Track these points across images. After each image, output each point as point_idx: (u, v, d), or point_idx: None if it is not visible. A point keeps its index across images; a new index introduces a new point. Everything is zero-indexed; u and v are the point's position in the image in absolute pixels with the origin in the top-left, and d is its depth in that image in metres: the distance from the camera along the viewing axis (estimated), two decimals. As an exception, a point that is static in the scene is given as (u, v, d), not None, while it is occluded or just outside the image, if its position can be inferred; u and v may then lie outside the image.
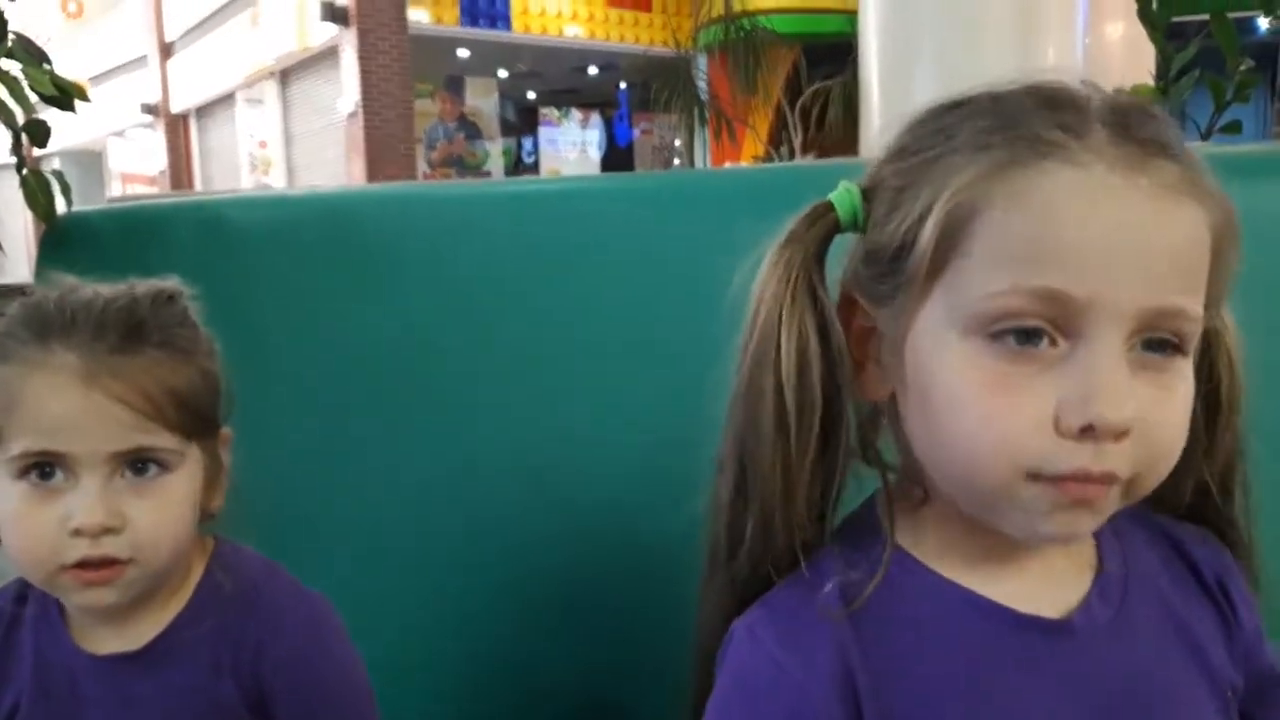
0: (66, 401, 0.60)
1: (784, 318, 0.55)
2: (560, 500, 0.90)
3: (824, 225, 0.56)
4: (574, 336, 0.93)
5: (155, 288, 0.66)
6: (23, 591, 0.69)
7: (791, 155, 6.90)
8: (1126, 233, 0.48)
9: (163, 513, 0.63)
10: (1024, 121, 0.49)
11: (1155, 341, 0.49)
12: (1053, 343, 0.48)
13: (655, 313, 0.92)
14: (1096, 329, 0.48)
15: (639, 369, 0.91)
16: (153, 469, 0.63)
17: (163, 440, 0.63)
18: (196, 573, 0.69)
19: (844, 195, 0.56)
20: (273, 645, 0.67)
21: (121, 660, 0.66)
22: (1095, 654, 0.54)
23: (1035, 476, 0.48)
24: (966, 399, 0.49)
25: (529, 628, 0.92)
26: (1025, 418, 0.48)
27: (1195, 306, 0.49)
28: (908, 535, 0.56)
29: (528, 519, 0.91)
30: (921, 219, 0.50)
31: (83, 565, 0.61)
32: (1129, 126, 0.49)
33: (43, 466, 0.61)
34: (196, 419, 0.65)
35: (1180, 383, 0.50)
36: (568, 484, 0.91)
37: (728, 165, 7.38)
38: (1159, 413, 0.49)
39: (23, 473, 0.61)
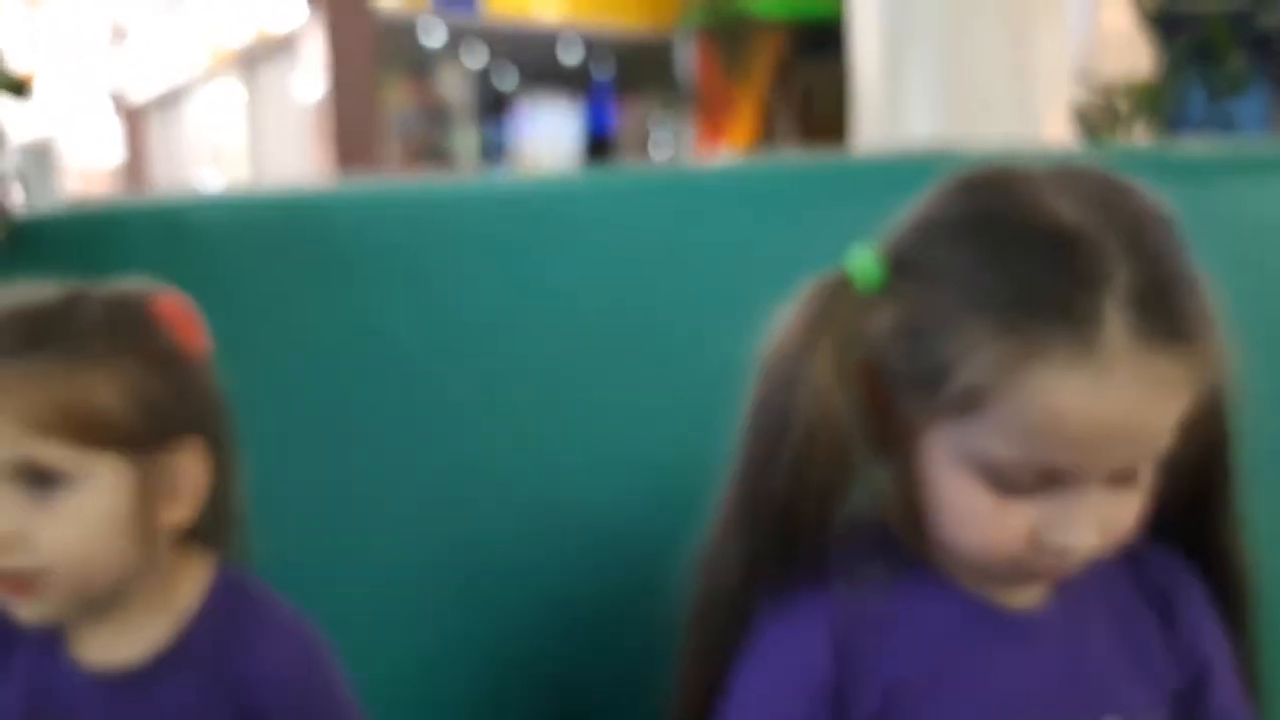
0: None
1: (807, 386, 0.58)
2: (541, 506, 0.90)
3: (846, 305, 0.58)
4: (556, 340, 0.92)
5: (108, 292, 0.67)
6: None
7: (778, 144, 6.75)
8: (1125, 424, 0.54)
9: (70, 527, 0.63)
10: (1045, 303, 0.53)
11: (1125, 471, 0.57)
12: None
13: (641, 315, 0.92)
14: (1078, 482, 0.56)
15: (623, 373, 0.91)
16: (54, 482, 0.63)
17: (56, 453, 0.62)
18: (191, 590, 0.70)
19: (865, 269, 0.59)
20: (267, 672, 0.67)
21: (116, 681, 0.67)
22: (1050, 648, 0.62)
23: (1015, 563, 0.58)
24: (967, 516, 0.57)
25: (517, 641, 0.90)
26: (1011, 534, 0.57)
27: (1163, 444, 0.56)
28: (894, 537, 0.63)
29: (508, 526, 0.91)
30: (941, 376, 0.55)
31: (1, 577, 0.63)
32: (1147, 309, 0.53)
33: None
34: (110, 431, 0.64)
35: (1143, 482, 0.58)
36: (550, 491, 0.91)
37: (715, 154, 7.23)
38: (1120, 511, 0.58)
39: None
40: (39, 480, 0.62)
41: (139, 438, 0.66)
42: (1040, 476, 0.55)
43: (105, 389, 0.64)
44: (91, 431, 0.63)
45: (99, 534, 0.64)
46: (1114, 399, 0.52)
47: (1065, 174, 0.58)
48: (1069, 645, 0.62)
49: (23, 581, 0.63)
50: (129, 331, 0.66)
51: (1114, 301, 0.52)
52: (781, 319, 0.60)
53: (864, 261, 0.59)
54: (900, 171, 0.95)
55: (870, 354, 0.59)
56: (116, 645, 0.67)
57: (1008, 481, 0.55)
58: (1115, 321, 0.52)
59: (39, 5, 11.89)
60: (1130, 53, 3.63)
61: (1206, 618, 0.66)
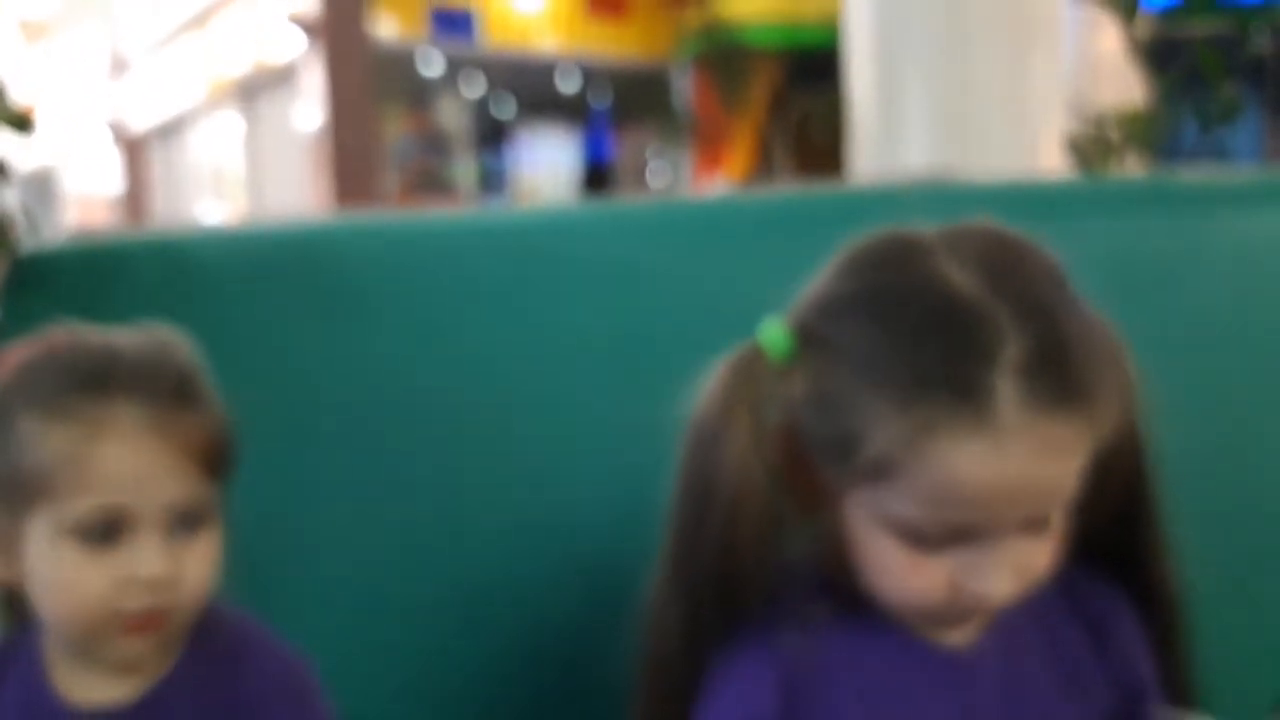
0: (138, 457, 0.62)
1: (728, 454, 0.61)
2: (544, 539, 0.90)
3: (759, 378, 0.61)
4: (554, 370, 0.92)
5: (167, 336, 0.67)
6: (8, 644, 0.70)
7: (774, 173, 6.78)
8: (1025, 486, 0.57)
9: (205, 563, 0.65)
10: (938, 380, 0.55)
11: (1036, 519, 0.59)
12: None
13: (639, 346, 0.92)
14: (984, 534, 0.58)
15: (621, 403, 0.91)
16: (200, 521, 0.65)
17: (209, 491, 0.65)
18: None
19: (775, 341, 0.62)
20: (259, 711, 0.67)
21: (107, 716, 0.66)
22: (985, 685, 0.64)
23: (938, 610, 0.61)
24: (888, 570, 0.60)
25: (512, 672, 0.90)
26: (930, 585, 0.59)
27: (1069, 495, 0.58)
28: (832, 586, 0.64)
29: (506, 555, 0.90)
30: (850, 446, 0.57)
31: (136, 617, 0.63)
32: (1038, 376, 0.55)
33: (106, 522, 0.62)
34: (229, 468, 0.67)
35: (1056, 525, 0.60)
36: (547, 519, 0.90)
37: (709, 183, 7.25)
38: (1035, 556, 0.60)
39: (82, 530, 0.62)
40: (192, 520, 0.64)
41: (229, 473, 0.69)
42: (952, 532, 0.57)
43: (228, 428, 0.67)
44: (223, 468, 0.67)
45: (214, 568, 0.66)
46: (1011, 465, 0.55)
47: (958, 237, 0.59)
48: (1004, 680, 0.64)
49: (157, 619, 0.64)
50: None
51: (1005, 373, 0.54)
52: (701, 390, 0.62)
53: (774, 334, 0.61)
54: (896, 200, 0.96)
55: (788, 420, 0.61)
56: (103, 685, 0.67)
57: (922, 538, 0.58)
58: (1007, 393, 0.54)
59: (40, 36, 11.97)
60: (1125, 80, 3.65)
61: (1138, 640, 0.68)
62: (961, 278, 0.56)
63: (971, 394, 0.54)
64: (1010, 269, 0.57)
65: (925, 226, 0.61)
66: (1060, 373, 0.55)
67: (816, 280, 0.62)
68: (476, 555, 0.90)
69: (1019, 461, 0.55)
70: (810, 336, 0.60)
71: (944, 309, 0.56)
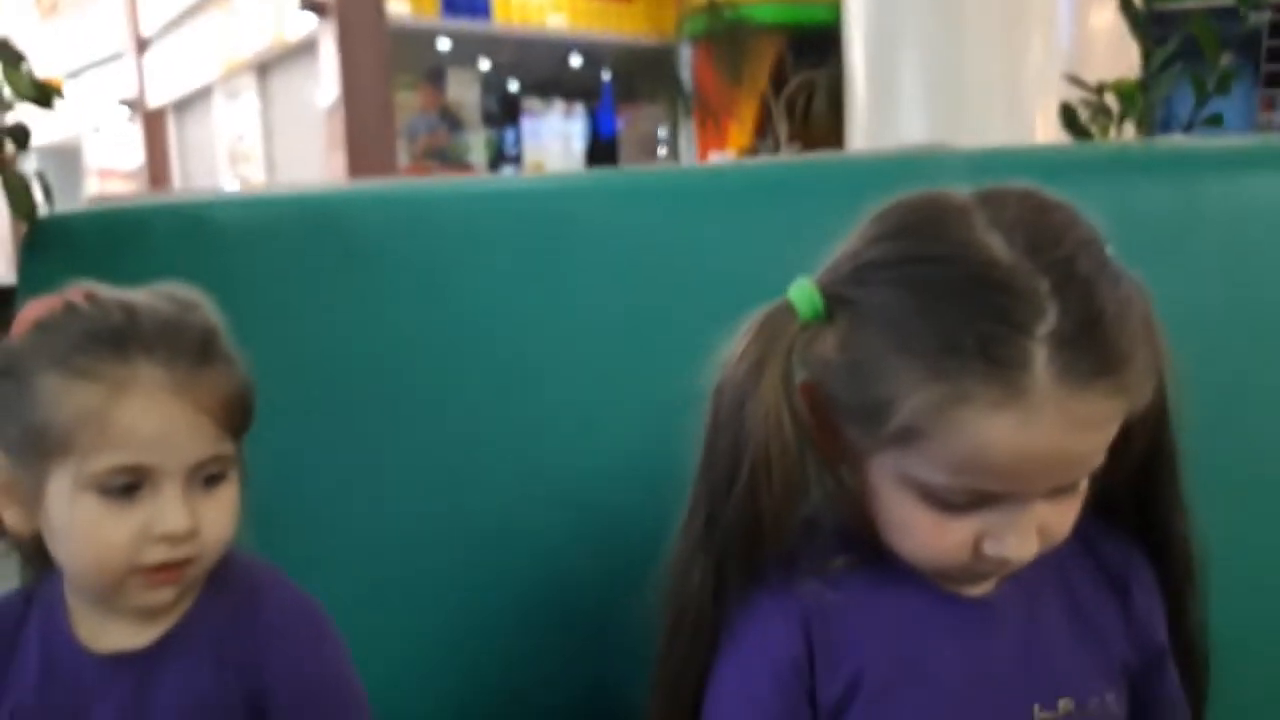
0: (160, 417, 0.62)
1: (757, 409, 0.60)
2: (553, 501, 0.91)
3: (790, 335, 0.60)
4: (565, 336, 0.93)
5: (188, 295, 0.67)
6: (30, 592, 0.70)
7: (777, 147, 6.87)
8: (1055, 457, 0.55)
9: (225, 516, 0.66)
10: (973, 350, 0.53)
11: (1062, 488, 0.59)
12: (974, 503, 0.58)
13: (646, 311, 0.92)
14: (1011, 500, 0.57)
15: (631, 367, 0.91)
16: (221, 475, 0.66)
17: (229, 448, 0.66)
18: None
19: (806, 300, 0.60)
20: (273, 653, 0.67)
21: (125, 660, 0.66)
22: (1004, 633, 0.64)
23: (960, 569, 0.61)
24: (910, 530, 0.60)
25: (525, 631, 0.92)
26: (954, 546, 0.59)
27: (1097, 464, 0.58)
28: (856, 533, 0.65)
29: (519, 521, 0.91)
30: (879, 413, 0.56)
31: (156, 568, 0.63)
32: (1075, 348, 0.53)
33: (127, 480, 0.62)
34: (249, 424, 0.68)
35: (1081, 488, 0.59)
36: (560, 485, 0.91)
37: (713, 156, 7.34)
38: (1060, 518, 0.59)
39: (104, 486, 0.62)
40: (212, 476, 0.65)
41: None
42: (978, 498, 0.57)
43: (248, 384, 0.67)
44: (245, 422, 0.67)
45: (235, 518, 0.67)
46: (1041, 437, 0.53)
47: (997, 201, 0.57)
48: (1023, 629, 0.64)
49: (178, 569, 0.64)
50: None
51: (1042, 345, 0.52)
52: (731, 347, 0.61)
53: (804, 292, 0.60)
54: (896, 167, 0.96)
55: (815, 377, 0.61)
56: (132, 626, 0.67)
57: (947, 502, 0.57)
58: (1042, 365, 0.52)
59: (57, 12, 12.08)
60: (1117, 55, 3.71)
61: (1155, 604, 0.68)
62: (1000, 244, 0.54)
63: (1006, 365, 0.52)
64: (1050, 237, 0.55)
65: (961, 188, 0.59)
66: (1097, 346, 0.53)
67: (848, 241, 0.60)
68: (482, 511, 0.91)
69: (1050, 434, 0.53)
70: (841, 298, 0.59)
71: (980, 276, 0.54)
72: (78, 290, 0.66)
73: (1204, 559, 0.69)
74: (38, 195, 0.99)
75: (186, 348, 0.63)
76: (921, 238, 0.57)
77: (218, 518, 0.65)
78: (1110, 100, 1.33)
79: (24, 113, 1.05)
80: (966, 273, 0.54)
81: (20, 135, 1.03)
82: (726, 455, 0.61)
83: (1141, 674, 0.67)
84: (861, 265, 0.58)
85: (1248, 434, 0.87)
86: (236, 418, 0.66)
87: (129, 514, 0.62)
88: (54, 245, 0.94)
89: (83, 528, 0.63)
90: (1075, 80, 1.34)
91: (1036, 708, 0.63)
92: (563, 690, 0.92)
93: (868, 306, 0.57)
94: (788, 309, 0.60)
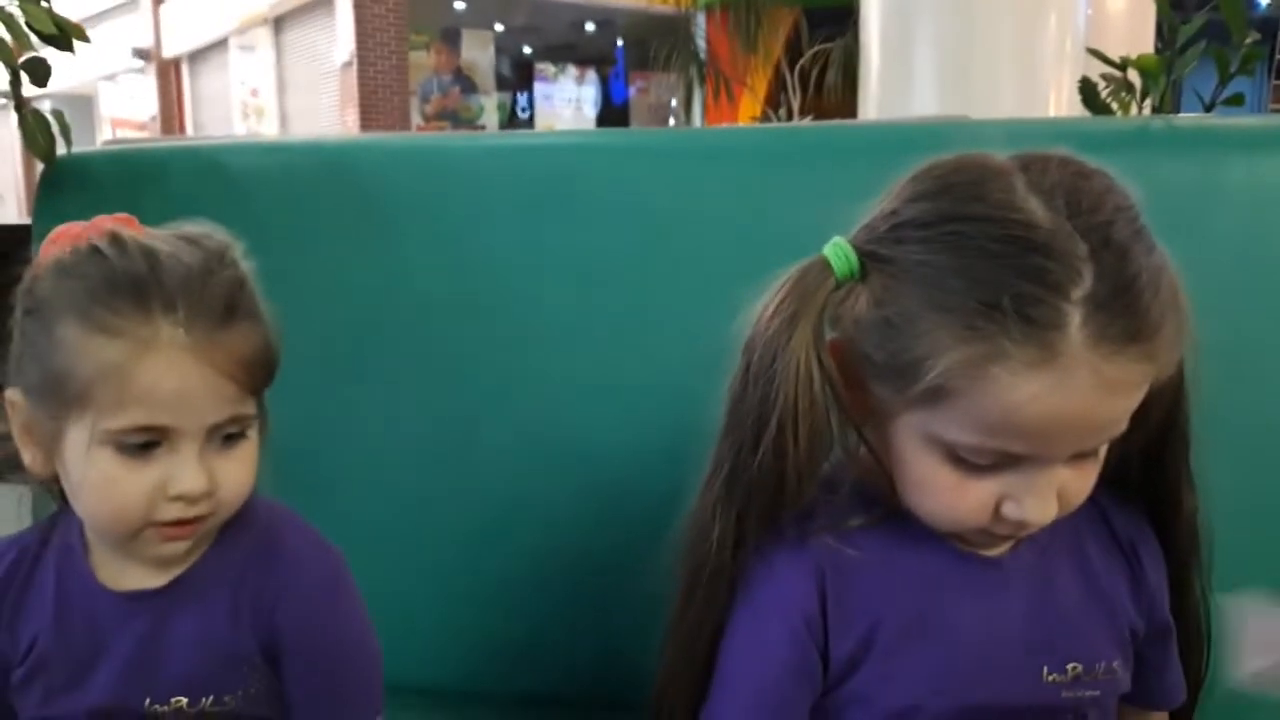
0: (180, 378, 0.60)
1: (788, 364, 0.60)
2: (557, 452, 0.91)
3: (824, 292, 0.61)
4: (571, 289, 0.93)
5: (217, 244, 0.65)
6: (47, 531, 0.70)
7: (790, 117, 6.85)
8: (1083, 421, 0.56)
9: (243, 471, 0.65)
10: (1009, 310, 0.53)
11: (1084, 452, 0.59)
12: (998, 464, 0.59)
13: (651, 267, 0.93)
14: (1034, 463, 0.58)
15: (637, 319, 0.92)
16: (241, 434, 0.65)
17: (249, 407, 0.64)
18: None
19: (841, 258, 0.60)
20: (289, 598, 0.67)
21: (142, 598, 0.66)
22: (1017, 593, 0.64)
23: (979, 530, 0.61)
24: (932, 489, 0.60)
25: (531, 583, 0.92)
26: (975, 506, 0.59)
27: (1120, 430, 0.58)
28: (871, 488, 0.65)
29: (525, 472, 0.91)
30: (910, 372, 0.56)
31: (171, 523, 0.63)
32: (1110, 312, 0.53)
33: (146, 439, 0.61)
34: (270, 379, 0.66)
35: (1101, 454, 0.60)
36: (565, 435, 0.91)
37: (724, 125, 7.32)
38: (1079, 483, 0.60)
39: (121, 443, 0.61)
40: (234, 433, 0.64)
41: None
42: (1002, 459, 0.57)
43: (271, 342, 0.65)
44: (267, 379, 0.66)
45: (253, 473, 0.67)
46: (1072, 399, 0.54)
47: (1036, 165, 0.58)
48: (1036, 592, 0.65)
49: (193, 524, 0.64)
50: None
51: (1077, 308, 0.53)
52: (763, 302, 0.62)
53: (841, 251, 0.61)
54: (912, 136, 0.97)
55: (846, 335, 0.61)
56: (150, 566, 0.67)
57: (969, 464, 0.58)
58: (1077, 327, 0.53)
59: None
60: (1132, 34, 3.67)
61: (1165, 580, 0.69)
62: (1039, 207, 0.55)
63: (1041, 325, 0.53)
64: (1089, 202, 0.55)
65: (999, 152, 0.59)
66: (1130, 312, 0.54)
67: (883, 201, 0.61)
68: (487, 460, 0.92)
69: (1080, 397, 0.54)
70: (877, 256, 0.59)
71: (1020, 238, 0.54)
72: (102, 226, 0.64)
73: (1209, 535, 0.69)
74: (56, 135, 1.00)
75: (210, 306, 0.61)
76: (962, 198, 0.57)
77: (235, 474, 0.64)
78: (1132, 75, 1.30)
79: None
80: (1007, 234, 0.54)
81: (40, 71, 1.00)
82: (755, 410, 0.61)
83: (1146, 645, 0.68)
84: (900, 224, 0.58)
85: (1265, 409, 0.87)
86: (259, 377, 0.64)
87: (145, 470, 0.62)
88: (72, 185, 0.95)
89: (98, 481, 0.62)
90: (1097, 54, 1.32)
91: (1045, 669, 0.64)
92: (574, 651, 0.92)
93: (905, 265, 0.57)
94: (823, 266, 0.61)
